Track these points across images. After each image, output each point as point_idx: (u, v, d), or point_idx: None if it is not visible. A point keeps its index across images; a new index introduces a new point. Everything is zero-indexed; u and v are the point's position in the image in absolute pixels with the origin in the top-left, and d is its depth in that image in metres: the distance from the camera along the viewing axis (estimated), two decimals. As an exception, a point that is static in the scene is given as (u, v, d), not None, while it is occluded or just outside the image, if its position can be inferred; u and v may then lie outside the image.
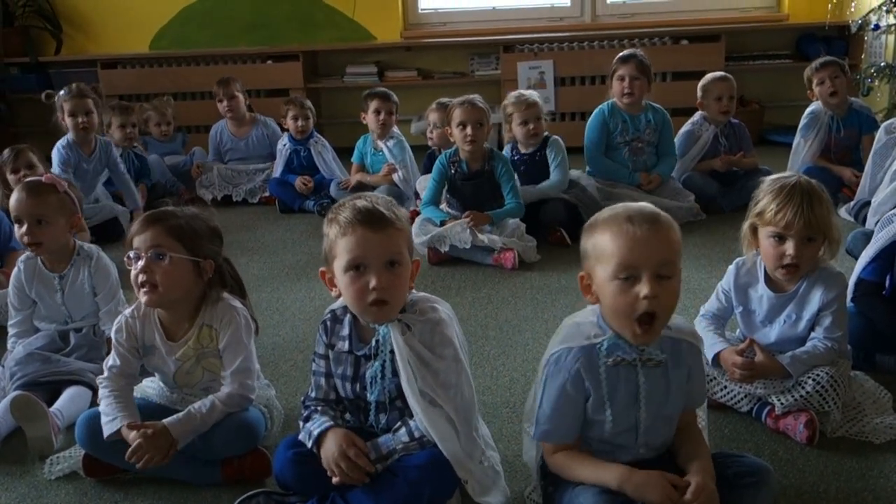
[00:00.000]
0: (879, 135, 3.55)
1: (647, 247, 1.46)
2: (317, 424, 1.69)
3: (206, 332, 1.96)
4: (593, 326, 1.59)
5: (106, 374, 1.94)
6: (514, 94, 3.76)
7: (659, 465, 1.59)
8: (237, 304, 2.00)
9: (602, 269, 1.50)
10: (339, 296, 1.69)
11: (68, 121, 3.89)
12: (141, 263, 1.88)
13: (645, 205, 1.54)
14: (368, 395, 1.71)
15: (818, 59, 4.04)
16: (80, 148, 3.94)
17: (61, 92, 3.95)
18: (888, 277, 2.33)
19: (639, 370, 1.56)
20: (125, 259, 1.92)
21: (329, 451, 1.65)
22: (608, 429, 1.58)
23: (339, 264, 1.62)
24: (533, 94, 3.70)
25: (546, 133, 3.74)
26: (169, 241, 1.89)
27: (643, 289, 1.46)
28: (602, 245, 1.50)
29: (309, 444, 1.69)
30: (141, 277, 1.88)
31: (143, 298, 1.91)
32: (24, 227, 2.37)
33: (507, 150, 3.81)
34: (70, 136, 3.93)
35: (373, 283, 1.58)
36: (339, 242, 1.61)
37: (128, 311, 2.00)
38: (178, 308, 1.96)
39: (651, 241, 1.47)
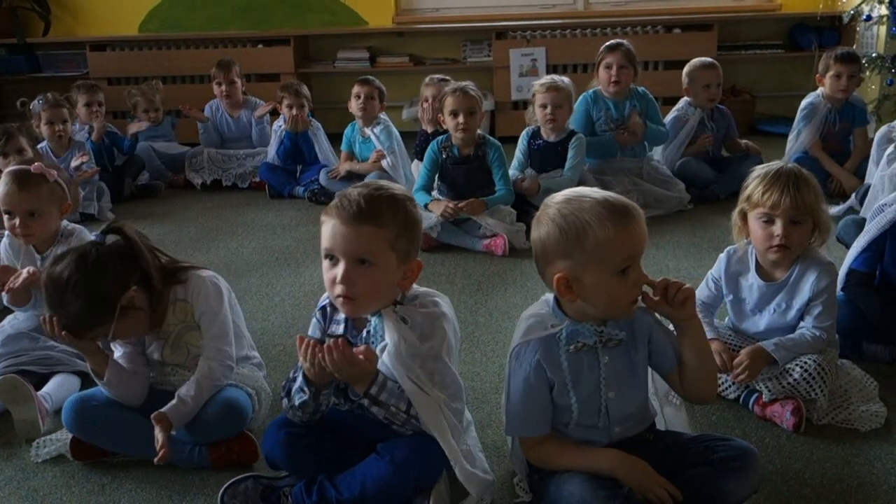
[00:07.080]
0: (875, 146, 3.49)
1: (640, 238, 1.51)
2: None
3: (180, 307, 1.95)
4: (549, 317, 1.60)
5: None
6: (546, 77, 3.70)
7: (639, 446, 1.61)
8: (205, 272, 1.98)
9: (599, 267, 1.48)
10: None
11: (45, 128, 4.06)
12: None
13: (617, 196, 1.52)
14: None
15: (839, 48, 3.98)
16: (53, 152, 4.10)
17: (36, 101, 4.11)
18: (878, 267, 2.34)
19: (600, 352, 1.57)
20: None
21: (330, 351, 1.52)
22: (575, 416, 1.60)
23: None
24: (563, 81, 3.62)
25: (572, 128, 3.70)
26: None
27: (636, 276, 1.51)
28: (603, 243, 1.46)
29: (294, 376, 1.63)
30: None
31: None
32: (17, 220, 2.30)
33: (524, 135, 3.77)
34: (45, 142, 4.11)
35: (337, 276, 1.55)
36: (322, 227, 1.59)
37: None
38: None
39: (641, 232, 1.52)
